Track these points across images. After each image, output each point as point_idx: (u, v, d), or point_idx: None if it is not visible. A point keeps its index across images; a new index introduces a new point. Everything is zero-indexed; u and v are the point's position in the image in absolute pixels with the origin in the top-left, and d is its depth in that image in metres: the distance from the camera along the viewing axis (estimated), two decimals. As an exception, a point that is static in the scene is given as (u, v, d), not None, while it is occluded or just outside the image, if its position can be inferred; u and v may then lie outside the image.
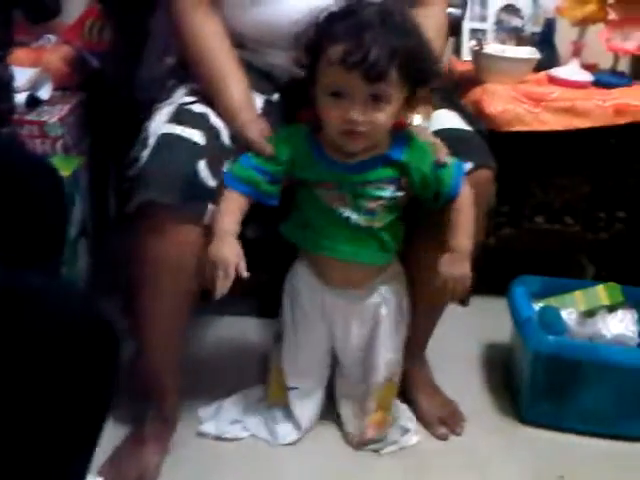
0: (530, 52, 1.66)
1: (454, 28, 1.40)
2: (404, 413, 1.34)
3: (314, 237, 1.14)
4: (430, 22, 1.18)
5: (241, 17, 1.20)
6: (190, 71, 1.21)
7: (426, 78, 1.07)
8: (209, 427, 1.27)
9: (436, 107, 1.22)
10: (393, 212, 1.13)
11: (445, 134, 1.16)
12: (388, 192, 1.10)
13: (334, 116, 1.03)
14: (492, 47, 1.68)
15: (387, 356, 1.24)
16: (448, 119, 1.22)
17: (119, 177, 1.57)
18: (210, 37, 1.17)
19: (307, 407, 1.27)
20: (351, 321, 1.23)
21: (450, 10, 1.36)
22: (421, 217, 1.18)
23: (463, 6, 1.41)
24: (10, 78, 1.18)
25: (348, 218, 1.10)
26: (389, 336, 1.24)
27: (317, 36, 1.02)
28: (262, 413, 1.29)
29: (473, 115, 1.30)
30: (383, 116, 1.03)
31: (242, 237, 1.10)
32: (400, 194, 1.11)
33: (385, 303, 1.22)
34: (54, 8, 1.14)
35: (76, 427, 0.69)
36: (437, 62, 1.10)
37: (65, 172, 1.29)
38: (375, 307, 1.22)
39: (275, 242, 1.25)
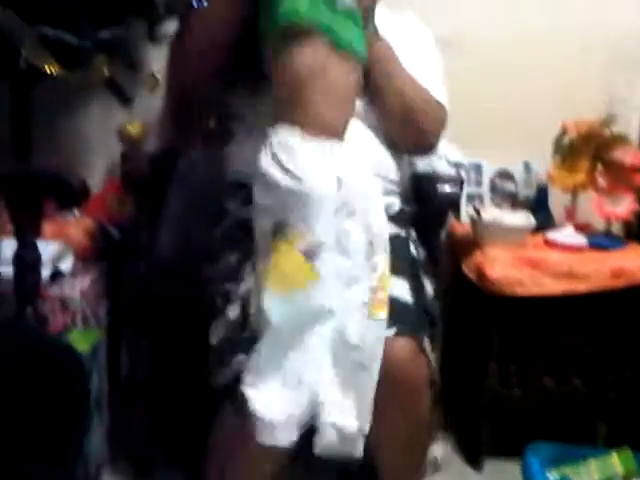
0: (526, 218, 1.75)
1: (454, 207, 1.50)
2: None
3: None
4: None
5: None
6: None
7: None
8: None
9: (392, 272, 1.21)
10: None
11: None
12: None
13: None
14: (489, 213, 1.77)
15: None
16: (394, 287, 1.20)
17: (132, 344, 1.63)
18: None
19: None
20: None
21: (449, 189, 1.46)
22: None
23: (460, 185, 1.51)
24: (38, 260, 1.24)
25: None
26: None
27: None
28: None
29: (425, 290, 1.29)
30: None
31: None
32: None
33: None
34: (83, 193, 1.22)
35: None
36: None
37: (84, 347, 1.32)
38: None
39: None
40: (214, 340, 1.19)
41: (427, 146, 1.43)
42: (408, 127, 1.36)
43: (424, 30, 1.53)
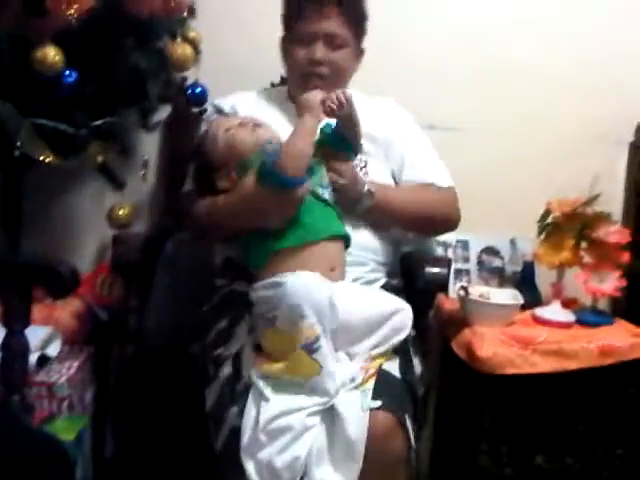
0: (514, 296, 1.76)
1: (441, 287, 1.52)
2: None
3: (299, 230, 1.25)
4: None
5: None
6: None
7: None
8: None
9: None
10: None
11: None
12: None
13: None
14: (477, 290, 1.77)
15: None
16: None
17: (117, 427, 1.61)
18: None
19: None
20: None
21: (437, 270, 1.48)
22: None
23: (448, 265, 1.53)
24: (26, 349, 1.23)
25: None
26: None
27: None
28: None
29: (414, 368, 1.33)
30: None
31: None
32: None
33: None
34: (73, 282, 1.23)
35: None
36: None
37: (69, 435, 1.31)
38: None
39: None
40: (209, 404, 1.21)
41: (452, 227, 1.57)
42: (434, 229, 1.56)
43: (405, 113, 1.59)
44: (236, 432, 1.13)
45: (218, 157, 1.31)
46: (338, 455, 1.11)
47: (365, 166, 1.42)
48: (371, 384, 1.17)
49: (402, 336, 1.25)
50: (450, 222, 1.53)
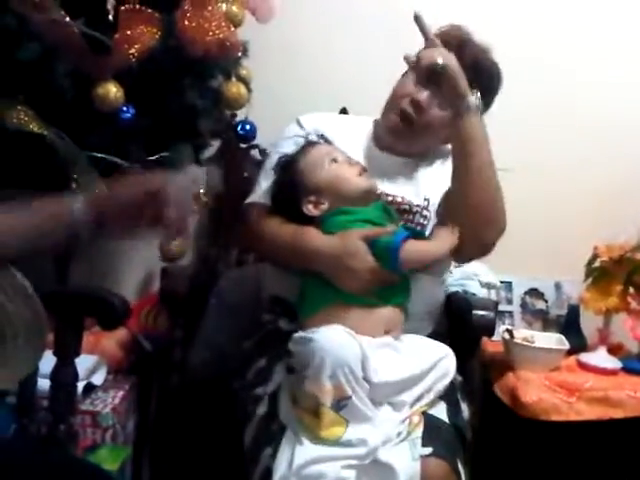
0: (559, 341, 1.74)
1: (489, 330, 1.49)
2: None
3: None
4: None
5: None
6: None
7: None
8: None
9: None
10: None
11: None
12: None
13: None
14: (522, 334, 1.76)
15: None
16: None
17: (155, 459, 1.61)
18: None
19: None
20: None
21: (484, 313, 1.46)
22: None
23: (495, 308, 1.51)
24: (75, 379, 1.25)
25: None
26: None
27: None
28: None
29: (462, 413, 1.30)
30: None
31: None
32: None
33: None
34: (125, 314, 1.24)
35: None
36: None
37: (113, 465, 1.31)
38: None
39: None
40: (246, 443, 1.21)
41: (488, 249, 1.39)
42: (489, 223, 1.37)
43: None
44: (270, 473, 1.11)
45: (315, 182, 1.28)
46: None
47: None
48: (419, 432, 1.14)
49: (446, 382, 1.23)
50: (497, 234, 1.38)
